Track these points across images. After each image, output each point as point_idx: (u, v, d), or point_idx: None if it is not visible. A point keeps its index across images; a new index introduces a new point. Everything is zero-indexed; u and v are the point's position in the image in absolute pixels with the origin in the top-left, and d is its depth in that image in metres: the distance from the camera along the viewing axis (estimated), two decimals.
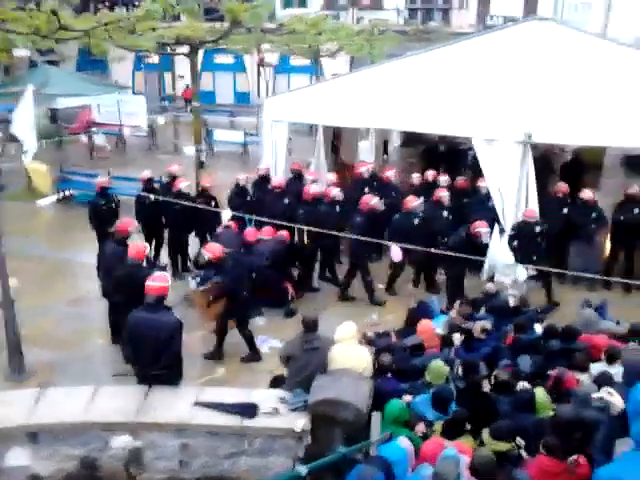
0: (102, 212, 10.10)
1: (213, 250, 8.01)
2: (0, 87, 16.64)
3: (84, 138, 19.17)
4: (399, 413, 5.49)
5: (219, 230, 9.77)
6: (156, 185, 11.33)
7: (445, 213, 10.20)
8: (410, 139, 17.63)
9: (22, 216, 12.95)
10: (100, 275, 8.25)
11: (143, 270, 7.29)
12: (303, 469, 3.54)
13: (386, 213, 10.08)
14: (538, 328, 7.59)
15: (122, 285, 7.41)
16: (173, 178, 10.61)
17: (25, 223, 12.77)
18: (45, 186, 14.80)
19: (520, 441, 5.31)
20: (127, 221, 8.29)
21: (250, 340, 8.10)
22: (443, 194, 10.24)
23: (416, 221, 9.72)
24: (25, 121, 7.88)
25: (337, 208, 10.02)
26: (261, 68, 22.83)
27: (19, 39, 7.30)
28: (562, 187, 10.32)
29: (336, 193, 10.06)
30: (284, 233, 9.52)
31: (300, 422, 5.44)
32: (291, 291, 9.66)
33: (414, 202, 9.78)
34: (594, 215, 9.88)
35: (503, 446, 5.09)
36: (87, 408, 5.63)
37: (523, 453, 5.24)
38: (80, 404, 5.67)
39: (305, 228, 9.41)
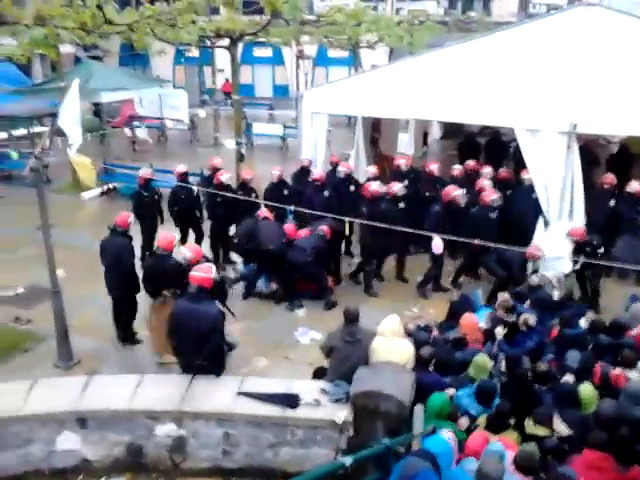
0: (145, 204, 10.31)
1: (194, 251, 7.58)
2: (47, 83, 17.07)
3: (127, 131, 19.51)
4: (442, 406, 5.46)
5: (258, 221, 9.70)
6: (195, 178, 11.49)
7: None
8: (450, 131, 17.44)
9: (68, 209, 13.29)
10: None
11: (171, 260, 7.51)
12: (348, 459, 3.54)
13: (426, 205, 9.96)
14: (583, 323, 7.43)
15: (150, 275, 7.61)
16: (215, 171, 10.70)
17: (71, 215, 13.10)
18: (89, 179, 15.12)
19: (563, 429, 5.21)
20: (125, 214, 8.30)
21: None
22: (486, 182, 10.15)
23: (493, 215, 9.46)
24: (71, 115, 8.05)
25: (400, 205, 9.78)
26: (300, 61, 22.78)
27: (66, 34, 7.45)
28: (609, 178, 10.07)
29: (398, 189, 9.79)
30: (324, 228, 9.42)
31: (342, 414, 5.45)
32: (331, 283, 9.67)
33: (492, 196, 9.50)
34: None
35: (542, 431, 5.03)
36: (133, 396, 5.76)
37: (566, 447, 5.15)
38: (126, 392, 5.80)
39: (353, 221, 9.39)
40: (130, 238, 8.16)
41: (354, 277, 10.15)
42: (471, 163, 11.57)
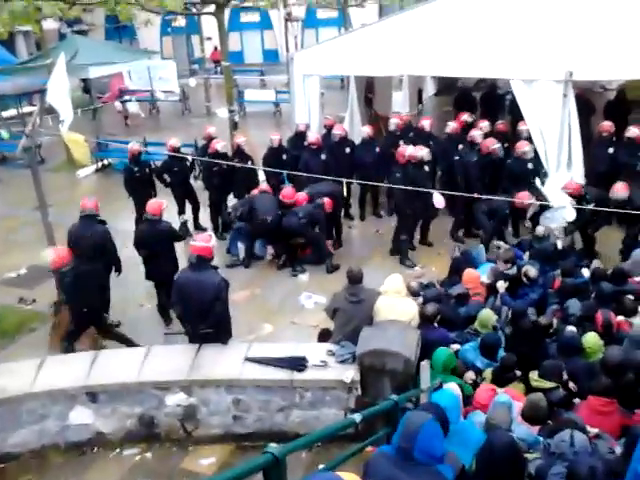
0: (136, 178, 10.20)
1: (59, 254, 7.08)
2: (33, 60, 16.79)
3: (118, 106, 19.28)
4: (447, 361, 5.50)
5: (254, 192, 9.69)
6: (189, 150, 11.38)
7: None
8: (445, 87, 17.22)
9: (64, 187, 13.21)
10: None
11: (162, 224, 7.59)
12: (357, 416, 3.57)
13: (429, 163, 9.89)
14: (585, 272, 7.45)
15: (142, 240, 7.66)
16: (210, 140, 10.60)
17: (67, 194, 13.01)
18: (84, 156, 14.90)
19: (571, 385, 5.27)
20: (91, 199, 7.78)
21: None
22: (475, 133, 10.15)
23: (530, 165, 9.42)
24: (60, 91, 7.90)
25: (426, 168, 9.58)
26: (288, 24, 22.37)
27: (47, 7, 7.28)
28: (607, 126, 9.95)
29: (424, 154, 9.46)
30: (326, 199, 9.32)
31: (349, 373, 5.50)
32: (329, 247, 9.65)
33: (524, 147, 9.43)
34: None
35: (548, 384, 5.07)
36: (141, 368, 5.80)
37: (576, 400, 5.20)
38: (134, 364, 5.85)
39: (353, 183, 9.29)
40: (103, 222, 7.73)
41: (396, 248, 9.72)
42: (464, 116, 11.45)
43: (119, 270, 7.81)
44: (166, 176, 10.39)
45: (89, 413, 5.74)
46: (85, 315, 7.03)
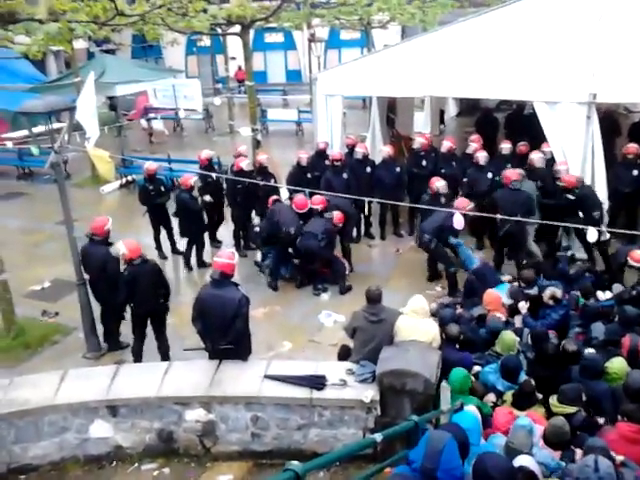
0: (151, 197, 10.38)
1: (130, 247, 7.19)
2: (63, 78, 17.19)
3: (143, 123, 19.59)
4: (461, 382, 5.43)
5: (270, 205, 9.66)
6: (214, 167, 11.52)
7: (489, 175, 10.02)
8: (466, 108, 17.25)
9: (88, 203, 13.41)
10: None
11: (101, 248, 7.52)
12: (378, 436, 3.55)
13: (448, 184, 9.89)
14: (605, 294, 7.37)
15: (82, 259, 7.58)
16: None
17: (91, 209, 13.17)
18: (108, 173, 15.14)
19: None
20: (101, 220, 7.80)
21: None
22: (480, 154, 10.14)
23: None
24: (87, 108, 8.09)
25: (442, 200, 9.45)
26: (312, 44, 22.61)
27: (79, 28, 7.50)
28: (631, 148, 9.87)
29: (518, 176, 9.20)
30: (337, 214, 9.22)
31: (369, 393, 5.48)
32: (348, 267, 9.64)
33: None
34: None
35: (568, 409, 5.00)
36: (161, 383, 5.84)
37: (600, 420, 5.11)
38: (154, 379, 5.88)
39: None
40: (110, 244, 7.71)
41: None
42: (475, 137, 11.38)
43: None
44: (207, 197, 10.33)
45: (109, 427, 5.79)
46: (142, 311, 7.24)
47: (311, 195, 9.52)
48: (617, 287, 7.73)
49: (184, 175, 10.42)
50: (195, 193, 10.20)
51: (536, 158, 9.83)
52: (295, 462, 2.50)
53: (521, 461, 3.76)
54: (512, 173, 9.18)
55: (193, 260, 10.28)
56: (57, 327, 8.58)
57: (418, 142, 11.05)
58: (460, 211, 8.38)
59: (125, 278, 7.16)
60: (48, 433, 5.74)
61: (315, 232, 9.07)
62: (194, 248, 10.22)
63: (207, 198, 10.17)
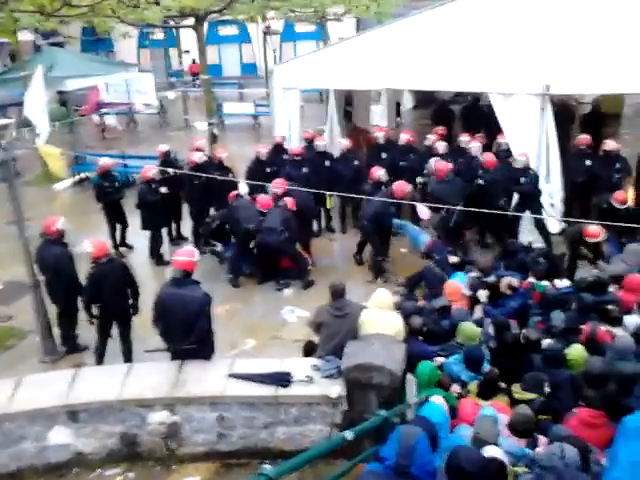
0: (107, 194, 10.22)
1: (97, 246, 7.08)
2: (8, 72, 16.56)
3: (96, 119, 19.11)
4: (430, 375, 5.47)
5: (232, 201, 9.59)
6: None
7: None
8: (422, 100, 17.43)
9: (40, 201, 12.96)
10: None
11: (53, 248, 7.35)
12: (348, 433, 3.52)
13: (407, 176, 9.94)
14: (559, 283, 7.53)
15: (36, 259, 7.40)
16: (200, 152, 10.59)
17: (44, 208, 12.76)
18: (60, 170, 14.79)
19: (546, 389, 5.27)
20: (52, 219, 7.58)
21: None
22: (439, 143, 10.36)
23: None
24: (37, 103, 7.80)
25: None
26: (267, 37, 22.44)
27: (25, 18, 7.18)
28: (584, 139, 10.12)
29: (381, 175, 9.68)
30: (288, 200, 9.15)
31: (335, 389, 5.44)
32: (311, 261, 9.60)
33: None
34: (618, 166, 9.67)
35: (529, 395, 5.09)
36: (122, 385, 5.68)
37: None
38: (115, 382, 5.71)
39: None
40: (65, 245, 7.57)
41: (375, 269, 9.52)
42: (440, 129, 11.58)
43: (79, 294, 7.46)
44: (163, 189, 10.13)
45: (69, 433, 5.59)
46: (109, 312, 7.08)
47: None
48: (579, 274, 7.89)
49: (144, 167, 10.24)
50: (154, 185, 10.01)
51: (474, 148, 10.21)
52: (267, 466, 2.45)
53: (490, 452, 3.79)
54: (444, 165, 9.43)
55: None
56: (11, 331, 8.29)
57: (380, 137, 11.06)
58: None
59: (90, 278, 6.96)
60: (3, 443, 5.51)
61: (274, 226, 8.95)
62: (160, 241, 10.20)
63: (163, 190, 9.99)
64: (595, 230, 7.71)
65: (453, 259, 8.50)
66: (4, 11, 7.00)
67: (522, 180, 9.19)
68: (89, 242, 7.06)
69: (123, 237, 10.70)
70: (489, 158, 9.64)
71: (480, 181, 9.37)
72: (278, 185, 9.37)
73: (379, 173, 9.58)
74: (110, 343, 7.30)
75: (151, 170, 9.93)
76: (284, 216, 9.03)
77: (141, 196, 9.88)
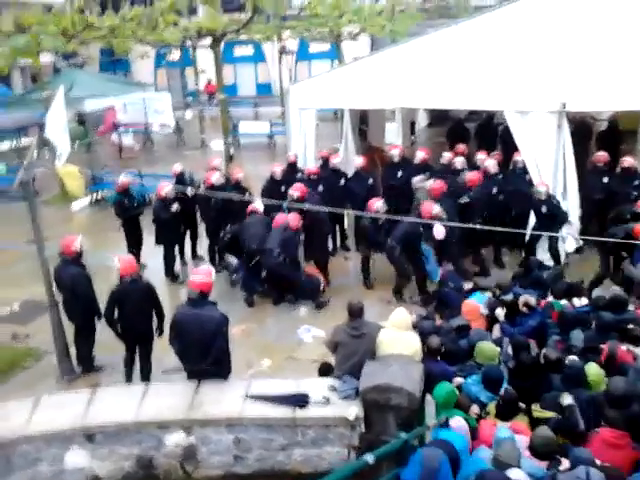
0: (126, 208, 10.31)
1: (124, 265, 7.12)
2: (30, 93, 16.82)
3: (113, 138, 19.34)
4: (447, 396, 5.38)
5: (246, 220, 9.57)
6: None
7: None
8: (437, 118, 17.45)
9: (58, 221, 13.10)
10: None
11: (71, 269, 7.38)
12: (370, 457, 3.47)
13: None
14: (577, 301, 7.45)
15: (55, 280, 7.42)
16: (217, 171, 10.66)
17: (62, 227, 12.88)
18: (78, 189, 14.97)
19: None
20: (70, 239, 7.60)
21: None
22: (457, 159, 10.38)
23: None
24: (58, 124, 7.89)
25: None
26: (282, 56, 22.64)
27: (47, 41, 7.31)
28: (601, 156, 10.06)
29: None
30: (291, 218, 8.97)
31: (353, 410, 5.38)
32: (323, 282, 9.45)
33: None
34: (636, 182, 9.58)
35: (548, 414, 5.01)
36: (139, 407, 5.66)
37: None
38: (132, 403, 5.70)
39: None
40: (82, 266, 7.59)
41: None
42: (461, 147, 11.57)
43: (97, 314, 7.51)
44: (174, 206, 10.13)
45: (85, 455, 5.57)
46: (131, 332, 7.12)
47: (289, 210, 9.46)
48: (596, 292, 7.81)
49: (159, 184, 10.32)
50: (168, 202, 10.02)
51: (458, 162, 10.28)
52: None
53: (514, 475, 3.72)
54: (439, 185, 9.50)
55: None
56: (28, 351, 8.31)
57: (395, 155, 11.05)
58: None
59: (112, 295, 7.01)
60: (19, 465, 5.50)
61: (271, 248, 8.76)
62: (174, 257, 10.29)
63: (174, 207, 10.00)
64: None
65: (468, 286, 8.45)
66: (29, 34, 7.13)
67: (544, 209, 9.00)
68: (118, 259, 7.13)
69: (137, 254, 10.69)
70: (472, 176, 9.69)
71: (465, 199, 9.40)
72: (297, 188, 9.44)
73: (377, 205, 9.28)
74: (121, 363, 7.29)
75: (165, 188, 10.01)
76: (283, 236, 8.82)
77: (155, 212, 10.01)
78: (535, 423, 5.10)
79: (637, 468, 4.45)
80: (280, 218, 9.27)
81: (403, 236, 8.85)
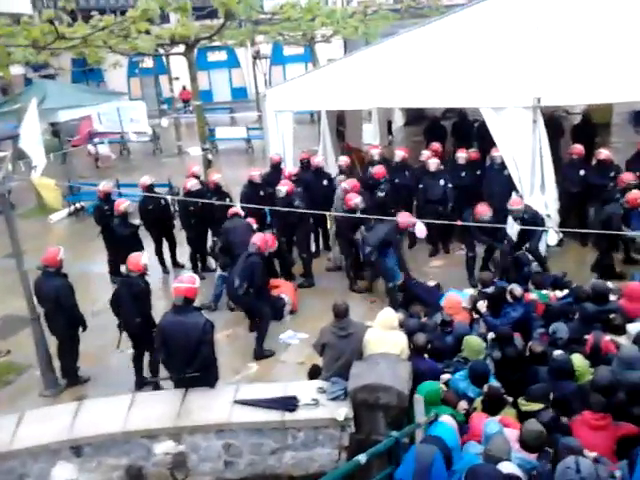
0: (107, 215, 10.08)
1: (130, 260, 7.30)
2: (1, 106, 16.59)
3: (91, 148, 19.15)
4: (429, 395, 5.36)
5: (227, 224, 9.36)
6: (163, 189, 11.32)
7: (442, 182, 10.17)
8: (413, 117, 17.57)
9: (36, 233, 12.91)
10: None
11: (55, 280, 7.32)
12: (362, 457, 3.47)
13: (403, 193, 9.98)
14: (558, 293, 7.54)
15: (36, 293, 7.36)
16: (197, 178, 10.56)
17: (40, 240, 12.69)
18: (55, 201, 14.69)
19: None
20: (53, 251, 7.50)
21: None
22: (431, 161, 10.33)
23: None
24: (32, 136, 7.80)
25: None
26: (257, 61, 22.63)
27: (17, 52, 7.21)
28: (577, 149, 10.18)
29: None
30: (258, 238, 8.26)
31: (342, 411, 5.39)
32: (291, 302, 8.96)
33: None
34: (612, 174, 9.72)
35: (536, 406, 5.04)
36: (126, 417, 5.61)
37: (564, 419, 5.17)
38: (119, 413, 5.65)
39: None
40: (65, 276, 7.53)
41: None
42: (436, 145, 11.64)
43: (81, 324, 7.52)
44: (137, 221, 10.05)
45: (72, 468, 5.50)
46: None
47: (271, 213, 9.42)
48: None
49: (117, 200, 10.06)
50: (132, 218, 9.88)
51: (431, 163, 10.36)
52: None
53: (506, 468, 3.74)
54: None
55: None
56: (10, 366, 8.18)
57: (376, 154, 11.08)
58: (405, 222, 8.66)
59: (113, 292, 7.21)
60: None
61: (232, 278, 8.05)
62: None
63: (136, 222, 9.84)
64: None
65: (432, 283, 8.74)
66: None
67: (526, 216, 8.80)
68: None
69: (173, 255, 10.75)
70: (378, 170, 10.05)
71: (381, 193, 9.78)
72: (285, 183, 9.48)
73: (356, 201, 9.07)
74: (112, 372, 7.18)
75: (123, 204, 9.75)
76: (246, 264, 7.95)
77: (114, 229, 9.70)
78: (523, 415, 5.14)
79: (621, 446, 4.50)
80: (268, 239, 8.68)
81: (380, 241, 8.69)
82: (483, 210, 8.68)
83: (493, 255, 9.32)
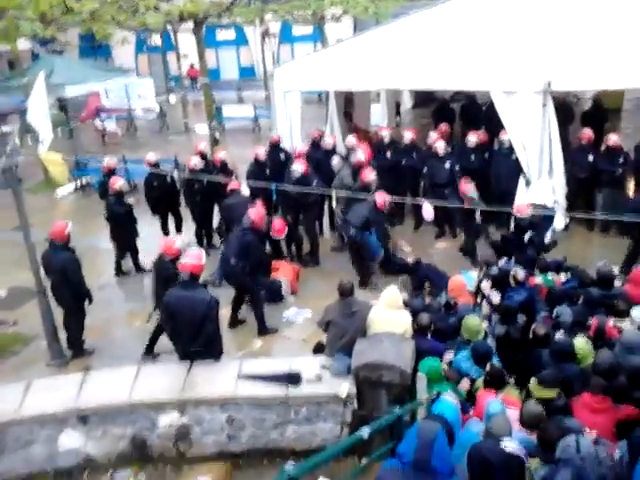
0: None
1: (169, 246, 7.21)
2: (8, 80, 16.55)
3: (97, 124, 19.14)
4: (429, 372, 5.41)
5: (227, 200, 9.38)
6: (169, 165, 11.31)
7: (447, 165, 10.07)
8: (422, 99, 17.42)
9: (43, 207, 12.95)
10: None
11: (62, 254, 7.34)
12: (365, 432, 3.52)
13: (409, 175, 9.94)
14: (562, 277, 7.53)
15: (44, 266, 7.39)
16: (203, 156, 10.50)
17: (47, 214, 12.75)
18: (62, 176, 14.80)
19: None
20: (61, 225, 7.53)
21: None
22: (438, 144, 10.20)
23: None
24: (39, 110, 7.79)
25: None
26: (265, 39, 22.46)
27: (25, 26, 7.18)
28: (586, 134, 10.11)
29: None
30: (251, 214, 7.96)
31: (345, 387, 5.44)
32: (288, 283, 8.91)
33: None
34: (621, 160, 9.67)
35: (549, 393, 5.07)
36: (132, 388, 5.68)
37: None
38: (125, 384, 5.72)
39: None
40: (72, 251, 7.56)
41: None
42: (444, 127, 11.59)
43: (87, 297, 7.61)
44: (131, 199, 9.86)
45: (79, 436, 5.59)
46: None
47: (277, 192, 9.39)
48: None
49: (112, 179, 9.91)
50: (126, 197, 9.77)
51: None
52: (290, 465, 2.45)
53: (509, 446, 3.79)
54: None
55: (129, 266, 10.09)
56: (16, 336, 8.27)
57: (386, 135, 11.04)
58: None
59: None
60: (13, 448, 5.51)
61: (228, 255, 7.93)
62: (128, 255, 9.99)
63: (130, 200, 9.76)
64: None
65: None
66: (6, 19, 7.00)
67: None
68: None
69: (179, 232, 10.63)
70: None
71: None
72: (301, 162, 9.43)
73: (371, 177, 9.12)
74: (117, 345, 7.22)
75: (118, 182, 9.66)
76: (243, 240, 7.80)
77: (109, 208, 9.62)
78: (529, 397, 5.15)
79: (621, 429, 4.53)
80: (278, 225, 8.85)
81: (363, 220, 8.61)
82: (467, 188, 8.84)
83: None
